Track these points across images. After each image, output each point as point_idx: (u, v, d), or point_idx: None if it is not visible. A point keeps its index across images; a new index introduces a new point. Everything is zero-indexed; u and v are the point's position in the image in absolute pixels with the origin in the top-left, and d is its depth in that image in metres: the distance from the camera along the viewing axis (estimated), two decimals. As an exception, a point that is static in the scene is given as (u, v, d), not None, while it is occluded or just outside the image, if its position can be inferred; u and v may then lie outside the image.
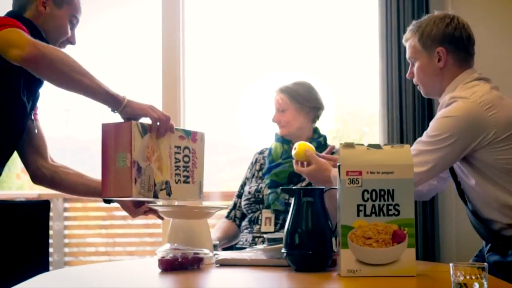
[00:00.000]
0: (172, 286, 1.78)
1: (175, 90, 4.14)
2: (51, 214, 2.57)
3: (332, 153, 2.66)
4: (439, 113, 2.30)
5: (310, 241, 1.85)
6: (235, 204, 3.10)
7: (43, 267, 2.41)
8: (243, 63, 4.75)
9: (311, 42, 4.62)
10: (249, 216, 2.97)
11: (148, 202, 2.21)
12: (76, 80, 1.92)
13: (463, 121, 2.20)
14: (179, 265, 1.92)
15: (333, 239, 1.89)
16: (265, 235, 2.39)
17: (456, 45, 2.36)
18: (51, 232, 2.31)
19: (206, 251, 2.00)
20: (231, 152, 5.80)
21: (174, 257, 1.93)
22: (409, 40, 2.42)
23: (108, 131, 1.91)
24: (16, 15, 2.22)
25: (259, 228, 2.88)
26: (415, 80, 2.43)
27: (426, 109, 3.80)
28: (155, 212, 2.25)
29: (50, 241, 2.77)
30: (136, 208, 2.29)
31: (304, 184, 2.89)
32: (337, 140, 4.76)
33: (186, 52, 4.19)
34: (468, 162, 2.26)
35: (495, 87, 2.31)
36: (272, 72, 4.50)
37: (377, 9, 3.92)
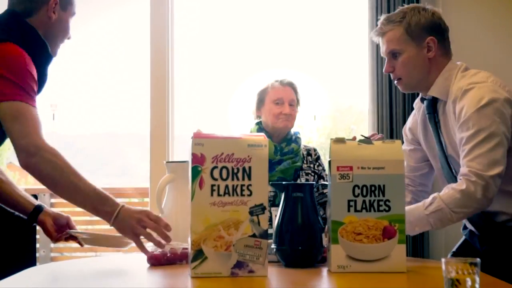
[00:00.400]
0: (160, 281, 1.77)
1: (163, 92, 4.12)
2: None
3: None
4: (469, 105, 2.16)
5: (299, 236, 1.84)
6: None
7: (30, 262, 2.38)
8: (233, 61, 4.73)
9: (300, 40, 4.61)
10: None
11: (69, 228, 2.27)
12: (71, 191, 1.94)
13: (499, 103, 2.13)
14: (167, 260, 1.91)
15: (323, 234, 1.88)
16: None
17: (442, 35, 2.34)
18: (38, 227, 2.28)
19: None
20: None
21: (163, 252, 1.91)
22: (388, 33, 2.34)
23: None
24: (18, 19, 2.12)
25: None
26: (396, 74, 2.35)
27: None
28: (75, 238, 2.25)
29: (37, 236, 2.73)
30: (58, 234, 2.27)
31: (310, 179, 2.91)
32: (324, 137, 4.75)
33: (174, 54, 4.19)
34: None
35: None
36: (261, 70, 4.48)
37: (367, 7, 3.93)
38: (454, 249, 2.49)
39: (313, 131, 3.10)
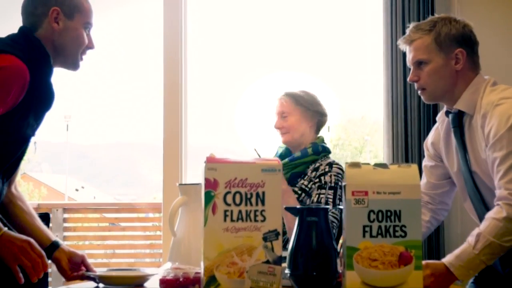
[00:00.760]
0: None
1: (176, 102, 4.13)
2: (50, 225, 2.53)
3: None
4: (499, 123, 2.11)
5: (314, 262, 1.81)
6: None
7: (42, 278, 2.37)
8: (246, 66, 4.74)
9: (315, 48, 4.60)
10: None
11: (84, 266, 2.25)
12: None
13: None
14: (180, 284, 1.88)
15: (338, 260, 1.85)
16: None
17: (471, 48, 2.30)
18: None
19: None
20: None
21: (175, 277, 1.89)
22: (416, 41, 2.29)
23: None
24: (25, 34, 2.15)
25: None
26: (420, 84, 2.31)
27: (432, 117, 3.76)
28: (90, 278, 2.19)
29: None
30: (72, 272, 2.24)
31: (305, 183, 2.88)
32: (338, 148, 4.72)
33: (188, 64, 4.19)
34: None
35: None
36: (275, 74, 4.47)
37: (382, 14, 3.90)
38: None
39: (327, 142, 3.06)
